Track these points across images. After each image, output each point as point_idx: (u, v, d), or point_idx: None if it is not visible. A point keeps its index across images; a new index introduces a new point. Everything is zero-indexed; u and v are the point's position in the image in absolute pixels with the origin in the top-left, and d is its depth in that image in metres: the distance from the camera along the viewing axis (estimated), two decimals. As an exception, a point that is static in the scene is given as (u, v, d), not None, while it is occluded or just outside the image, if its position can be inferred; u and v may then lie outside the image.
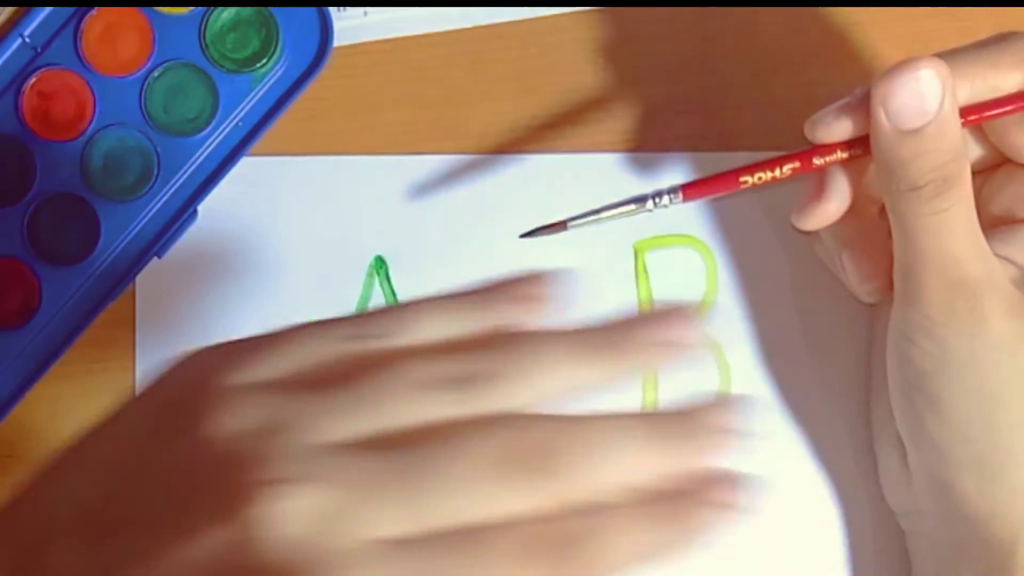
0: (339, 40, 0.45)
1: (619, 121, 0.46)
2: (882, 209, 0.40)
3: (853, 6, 0.46)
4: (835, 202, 0.40)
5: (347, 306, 0.45)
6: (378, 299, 0.45)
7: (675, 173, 0.45)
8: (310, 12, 0.44)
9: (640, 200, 0.40)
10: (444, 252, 0.45)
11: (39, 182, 0.44)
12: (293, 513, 0.24)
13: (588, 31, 0.46)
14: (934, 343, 0.38)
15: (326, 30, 0.44)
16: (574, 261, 0.45)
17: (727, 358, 0.45)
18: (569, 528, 0.25)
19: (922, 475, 0.40)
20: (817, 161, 0.39)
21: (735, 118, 0.46)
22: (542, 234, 0.41)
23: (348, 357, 0.27)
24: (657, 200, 0.40)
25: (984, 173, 0.41)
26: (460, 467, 0.25)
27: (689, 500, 0.26)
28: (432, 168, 0.45)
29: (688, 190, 0.40)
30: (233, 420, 0.26)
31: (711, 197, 0.40)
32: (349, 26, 0.45)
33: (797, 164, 0.39)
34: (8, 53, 0.44)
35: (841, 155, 0.39)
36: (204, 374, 0.27)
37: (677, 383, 0.45)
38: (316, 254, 0.45)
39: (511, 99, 0.46)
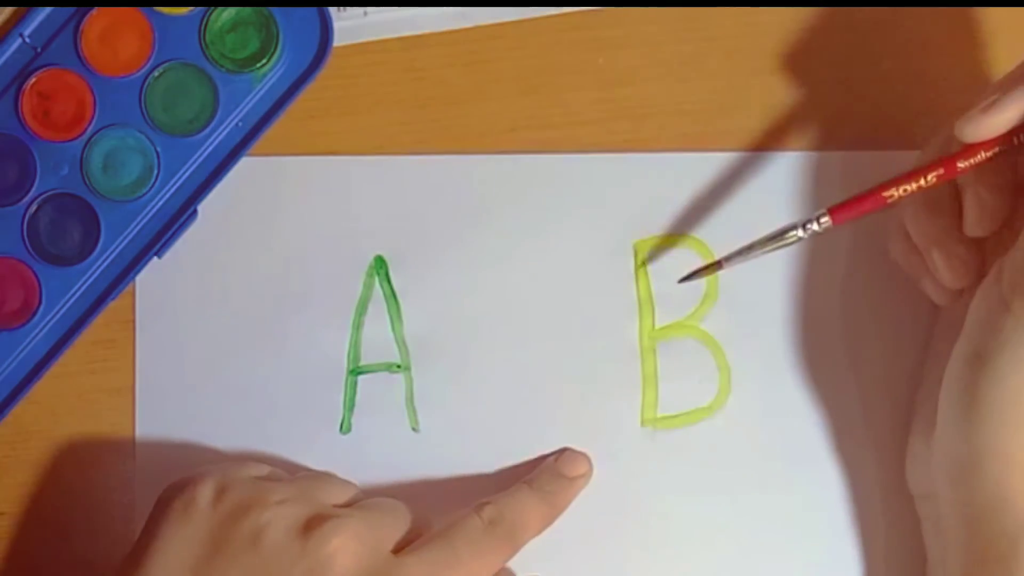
0: (339, 40, 0.45)
1: (619, 121, 0.46)
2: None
3: (854, 6, 0.46)
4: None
5: (347, 306, 0.45)
6: (378, 299, 0.45)
7: (676, 173, 0.45)
8: (310, 12, 0.44)
9: (789, 229, 0.40)
10: (444, 252, 0.45)
11: (39, 182, 0.44)
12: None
13: (588, 31, 0.46)
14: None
15: (326, 30, 0.44)
16: (574, 261, 0.46)
17: (728, 359, 0.45)
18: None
19: (947, 456, 0.40)
20: (961, 164, 0.39)
21: (734, 118, 0.46)
22: (699, 276, 0.42)
23: None
24: (807, 227, 0.40)
25: None
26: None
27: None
28: (432, 168, 0.45)
29: (837, 213, 0.39)
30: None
31: (859, 216, 0.40)
32: (349, 26, 0.45)
33: (942, 171, 0.39)
34: (8, 53, 0.44)
35: (985, 154, 0.38)
36: None
37: (678, 383, 0.45)
38: (316, 254, 0.45)
39: (511, 99, 0.46)
